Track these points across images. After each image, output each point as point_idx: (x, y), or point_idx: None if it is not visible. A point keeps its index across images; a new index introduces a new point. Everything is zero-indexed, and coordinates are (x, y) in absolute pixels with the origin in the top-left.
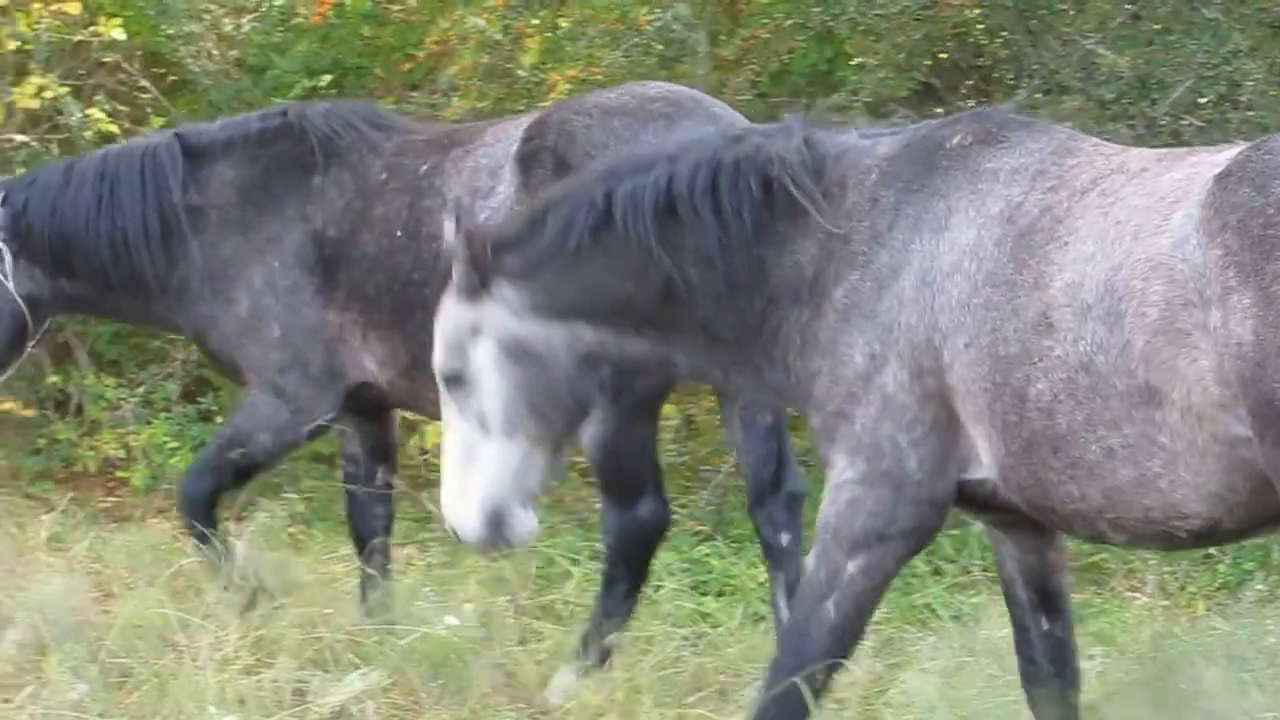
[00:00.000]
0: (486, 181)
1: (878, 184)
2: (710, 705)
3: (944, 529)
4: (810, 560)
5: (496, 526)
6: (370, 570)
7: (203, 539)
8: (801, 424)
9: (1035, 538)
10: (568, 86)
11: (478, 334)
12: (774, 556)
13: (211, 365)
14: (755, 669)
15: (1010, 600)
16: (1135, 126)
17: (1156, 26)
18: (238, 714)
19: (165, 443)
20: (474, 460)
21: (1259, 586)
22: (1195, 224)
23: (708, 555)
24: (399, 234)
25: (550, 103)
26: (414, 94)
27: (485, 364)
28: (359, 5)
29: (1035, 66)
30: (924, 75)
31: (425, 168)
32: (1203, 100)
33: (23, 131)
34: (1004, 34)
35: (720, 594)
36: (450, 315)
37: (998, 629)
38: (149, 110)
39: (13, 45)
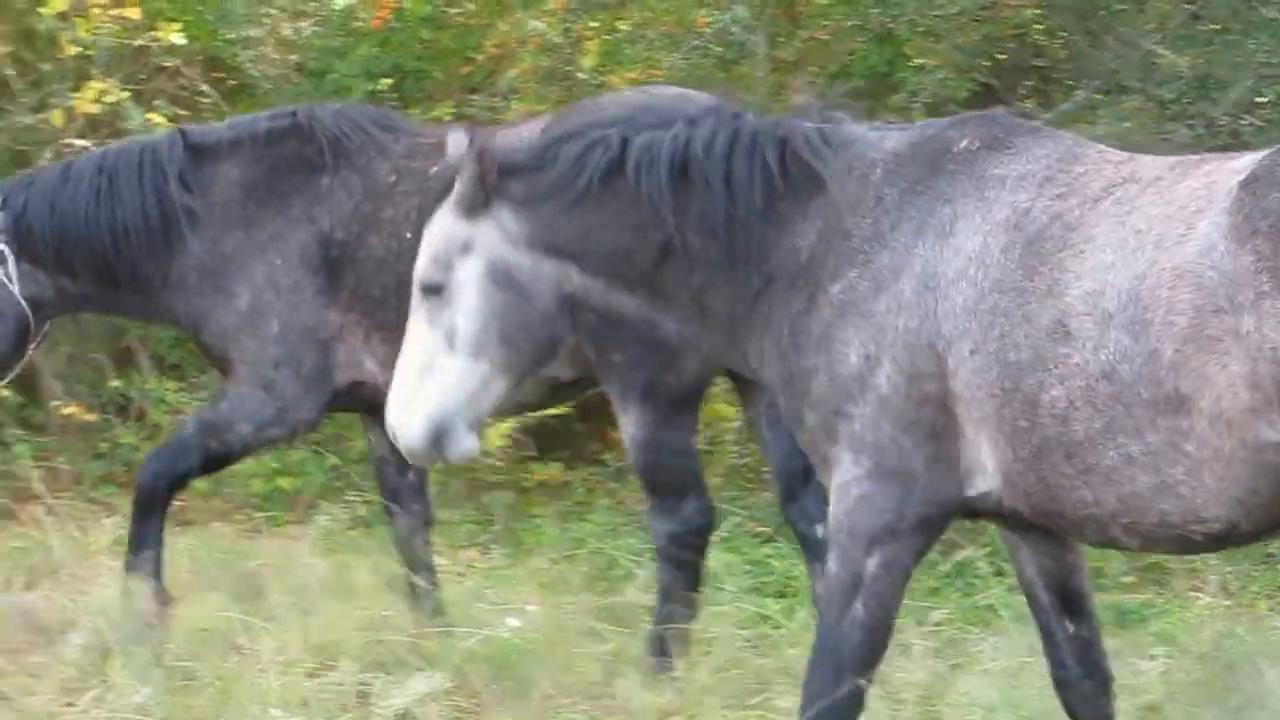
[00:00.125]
0: None
1: (881, 181)
2: (772, 707)
3: None
4: (831, 562)
5: (438, 441)
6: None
7: (144, 517)
8: None
9: (1050, 540)
10: (627, 89)
11: (468, 251)
12: (810, 548)
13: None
14: None
15: (1033, 604)
16: (1195, 126)
17: (1216, 26)
18: (301, 717)
19: None
20: (432, 372)
21: None
22: (1223, 231)
23: (769, 557)
24: (408, 236)
25: None
26: (473, 97)
27: (468, 282)
28: (419, 9)
29: (1094, 66)
30: (983, 76)
31: (435, 170)
32: (1262, 100)
33: (83, 136)
34: (1063, 34)
35: (781, 595)
36: (443, 226)
37: None
38: (209, 115)
39: (73, 50)
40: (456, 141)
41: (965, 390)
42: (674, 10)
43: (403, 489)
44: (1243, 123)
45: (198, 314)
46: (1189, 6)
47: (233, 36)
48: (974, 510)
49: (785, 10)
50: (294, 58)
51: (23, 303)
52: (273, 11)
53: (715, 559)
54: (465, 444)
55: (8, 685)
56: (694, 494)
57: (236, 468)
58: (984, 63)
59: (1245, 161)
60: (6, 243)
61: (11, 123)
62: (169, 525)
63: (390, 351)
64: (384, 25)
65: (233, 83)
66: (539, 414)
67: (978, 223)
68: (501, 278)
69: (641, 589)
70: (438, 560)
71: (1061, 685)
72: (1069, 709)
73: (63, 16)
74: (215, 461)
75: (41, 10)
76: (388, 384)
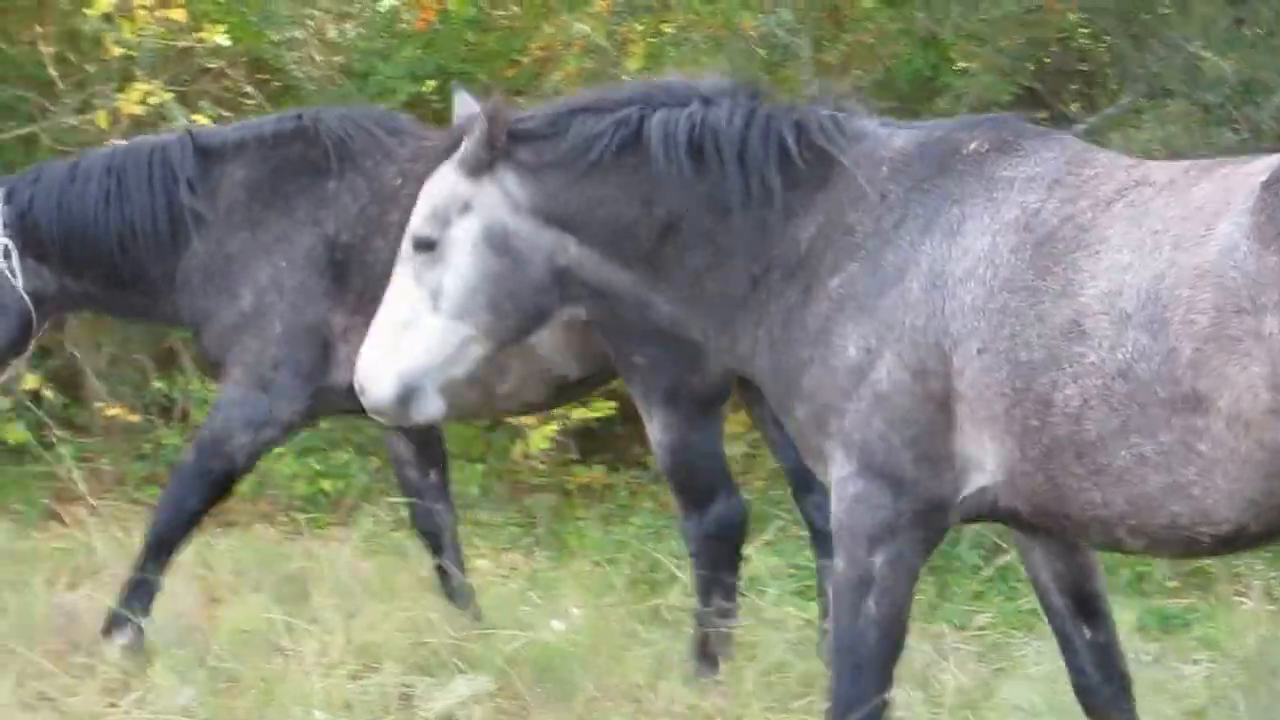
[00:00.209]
0: None
1: (887, 178)
2: (815, 710)
3: None
4: (838, 562)
5: (406, 401)
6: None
7: (153, 560)
8: None
9: (1061, 542)
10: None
11: (467, 211)
12: (822, 544)
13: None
14: None
15: (1048, 610)
16: (1240, 131)
17: (1260, 30)
18: (344, 718)
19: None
20: (411, 329)
21: None
22: (1245, 232)
23: (812, 560)
24: None
25: None
26: (518, 99)
27: (463, 242)
28: (464, 11)
29: (1139, 70)
30: (1028, 80)
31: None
32: None
33: (127, 137)
34: (1107, 38)
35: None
36: (444, 182)
37: None
38: (253, 116)
39: (118, 51)
40: (465, 102)
41: (970, 389)
42: (719, 13)
43: (425, 490)
44: None
45: (201, 314)
46: (1233, 10)
47: (277, 38)
48: (969, 509)
49: (830, 14)
50: (338, 59)
51: (26, 297)
52: (317, 13)
53: (759, 562)
54: (431, 407)
55: (51, 686)
56: (723, 493)
57: (280, 469)
58: (1028, 66)
59: (1262, 164)
60: (10, 237)
61: (56, 123)
62: (211, 527)
63: None
64: (428, 27)
65: (277, 84)
66: (582, 417)
67: (986, 223)
68: (498, 242)
69: (684, 592)
70: (481, 564)
71: (1082, 692)
72: (1091, 715)
73: (107, 18)
74: (221, 485)
75: (86, 11)
76: None
